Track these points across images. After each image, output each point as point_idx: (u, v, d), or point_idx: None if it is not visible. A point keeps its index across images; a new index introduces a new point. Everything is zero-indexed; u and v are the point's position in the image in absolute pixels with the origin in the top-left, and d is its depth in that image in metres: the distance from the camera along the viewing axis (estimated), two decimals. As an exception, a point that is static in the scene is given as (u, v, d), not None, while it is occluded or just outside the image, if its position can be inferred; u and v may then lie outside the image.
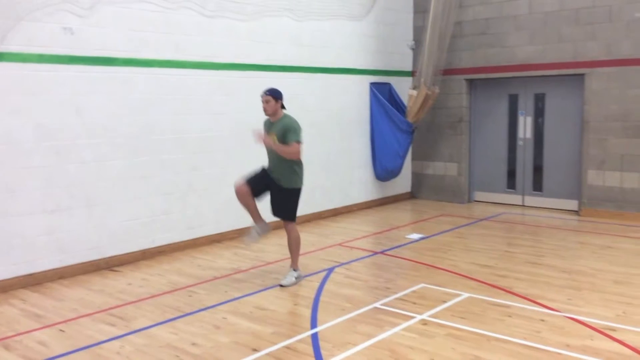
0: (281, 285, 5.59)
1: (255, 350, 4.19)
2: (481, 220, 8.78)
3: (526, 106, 9.73)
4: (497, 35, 9.58)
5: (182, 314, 4.95)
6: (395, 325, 4.59)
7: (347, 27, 9.18)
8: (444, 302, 5.12)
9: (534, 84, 9.56)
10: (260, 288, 5.61)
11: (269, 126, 5.72)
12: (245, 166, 7.74)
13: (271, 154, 5.62)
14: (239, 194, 5.58)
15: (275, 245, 7.31)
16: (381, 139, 9.79)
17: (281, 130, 5.51)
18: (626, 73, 8.39)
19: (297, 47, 8.40)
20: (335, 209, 9.23)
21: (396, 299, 5.24)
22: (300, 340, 4.34)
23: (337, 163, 9.26)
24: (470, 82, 10.10)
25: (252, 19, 7.75)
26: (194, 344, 4.33)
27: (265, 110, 5.59)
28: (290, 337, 4.40)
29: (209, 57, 7.28)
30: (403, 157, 9.99)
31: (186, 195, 7.17)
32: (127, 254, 6.60)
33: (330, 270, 6.17)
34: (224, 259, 6.75)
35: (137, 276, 6.12)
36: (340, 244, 7.37)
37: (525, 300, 5.14)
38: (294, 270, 5.77)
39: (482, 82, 10.08)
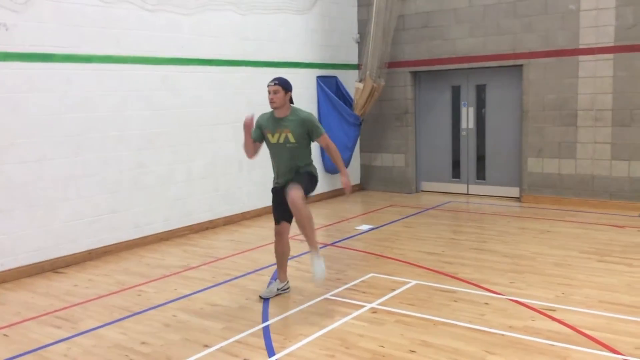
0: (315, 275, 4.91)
1: (206, 346, 4.18)
2: (428, 209, 8.99)
3: (468, 97, 9.99)
4: (439, 28, 9.79)
5: (130, 313, 4.88)
6: (346, 314, 4.67)
7: (291, 20, 9.19)
8: (393, 290, 5.23)
9: (475, 75, 9.83)
10: (211, 284, 5.59)
11: (273, 122, 4.90)
12: (192, 162, 7.73)
13: (282, 152, 4.90)
14: (281, 237, 5.13)
15: (226, 241, 7.30)
16: (329, 132, 9.70)
17: (300, 127, 4.82)
18: (562, 63, 8.73)
19: (242, 41, 8.36)
20: (285, 203, 9.23)
21: (346, 289, 5.32)
22: (251, 334, 4.36)
23: (285, 157, 9.27)
24: (415, 74, 10.28)
25: (195, 13, 7.65)
26: (143, 342, 4.28)
27: (272, 102, 4.81)
28: (241, 331, 4.41)
29: (151, 52, 7.15)
30: (351, 150, 10.10)
31: (132, 193, 7.05)
32: (72, 254, 6.44)
33: (281, 264, 6.19)
34: (173, 256, 6.68)
35: (83, 277, 5.98)
36: (290, 238, 7.31)
37: (470, 285, 5.31)
38: (316, 252, 4.97)
39: (425, 74, 10.29)
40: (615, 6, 8.20)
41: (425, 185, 10.60)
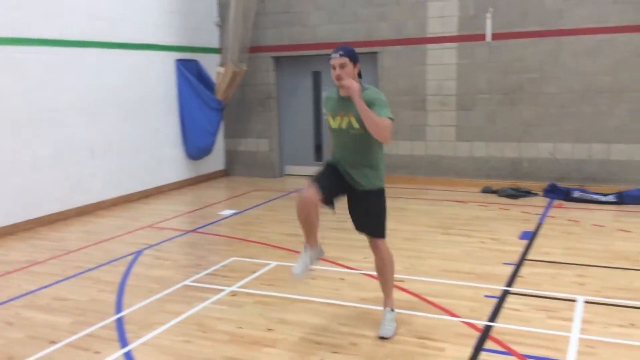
0: (382, 338, 3.94)
1: (53, 342, 3.94)
2: (291, 192, 9.14)
3: (329, 82, 10.27)
4: (299, 14, 9.92)
5: (-35, 314, 4.48)
6: (205, 299, 4.64)
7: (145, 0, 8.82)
8: (254, 272, 5.28)
9: (334, 61, 10.08)
10: (60, 278, 5.26)
11: (340, 103, 3.84)
12: (38, 150, 7.18)
13: (345, 141, 3.90)
14: (306, 203, 3.74)
15: (78, 233, 6.91)
16: (191, 117, 9.65)
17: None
18: (412, 51, 9.25)
19: (92, 20, 7.87)
20: (145, 191, 8.92)
21: (206, 274, 5.28)
22: (103, 327, 4.18)
23: (145, 143, 8.93)
24: (277, 59, 10.35)
25: (37, -11, 7.09)
26: (-20, 344, 3.95)
27: (339, 79, 3.73)
28: (92, 325, 4.21)
29: (-15, 29, 6.53)
30: (214, 135, 9.99)
31: (-32, 185, 6.42)
32: None
33: (139, 253, 6.00)
34: (17, 251, 6.19)
35: None
36: (150, 226, 7.18)
37: (328, 263, 5.50)
38: (391, 309, 4.10)
39: (287, 60, 10.40)
40: (458, -2, 8.84)
41: (289, 169, 10.76)
